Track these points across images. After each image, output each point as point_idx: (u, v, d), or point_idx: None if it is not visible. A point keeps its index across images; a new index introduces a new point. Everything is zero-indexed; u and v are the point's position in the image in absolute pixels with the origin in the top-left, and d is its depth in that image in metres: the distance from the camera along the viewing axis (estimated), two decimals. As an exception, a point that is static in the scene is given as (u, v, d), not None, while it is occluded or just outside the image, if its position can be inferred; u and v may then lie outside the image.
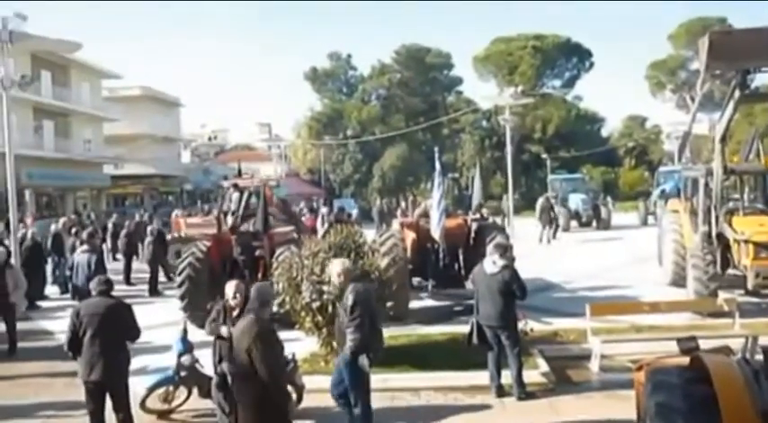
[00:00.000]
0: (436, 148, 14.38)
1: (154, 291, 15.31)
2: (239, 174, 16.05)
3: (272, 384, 4.79)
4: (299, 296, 8.14)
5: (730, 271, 11.34)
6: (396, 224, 13.93)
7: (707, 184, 11.83)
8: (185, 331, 7.13)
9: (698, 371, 3.52)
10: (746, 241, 10.91)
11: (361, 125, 57.31)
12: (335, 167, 58.33)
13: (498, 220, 16.36)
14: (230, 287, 6.24)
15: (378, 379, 7.71)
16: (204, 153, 71.71)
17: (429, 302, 12.64)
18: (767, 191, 12.48)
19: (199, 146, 72.22)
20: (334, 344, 8.28)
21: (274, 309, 8.92)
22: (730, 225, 11.42)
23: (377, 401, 7.20)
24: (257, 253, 11.71)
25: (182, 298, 10.86)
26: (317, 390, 7.37)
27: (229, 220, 13.13)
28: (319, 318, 8.02)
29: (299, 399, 6.83)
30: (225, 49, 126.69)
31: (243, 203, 13.77)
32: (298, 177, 57.43)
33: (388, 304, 8.84)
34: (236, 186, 13.99)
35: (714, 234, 11.48)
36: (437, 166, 12.35)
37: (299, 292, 8.15)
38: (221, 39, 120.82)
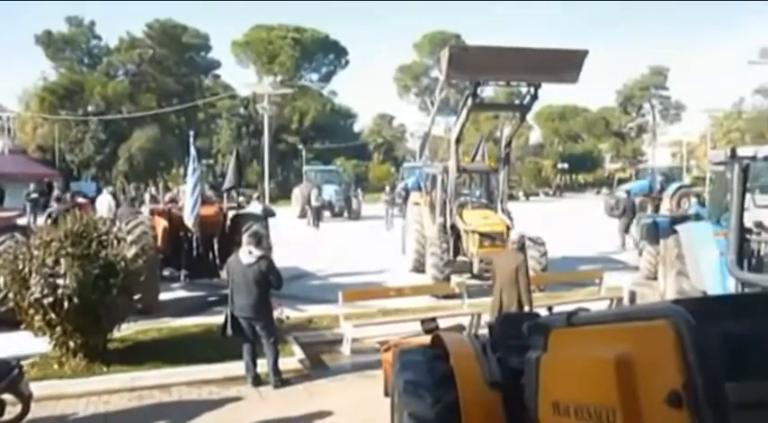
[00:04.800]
0: (191, 132, 13.67)
1: None
2: None
3: None
4: (26, 292, 7.09)
5: (460, 258, 12.89)
6: (145, 211, 12.97)
7: (443, 181, 13.27)
8: None
9: (438, 349, 3.92)
10: (473, 231, 12.53)
11: (105, 101, 52.07)
12: (74, 147, 52.05)
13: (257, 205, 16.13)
14: None
15: (124, 378, 7.17)
16: None
17: (182, 293, 12.05)
18: (490, 187, 14.43)
19: None
20: (71, 343, 7.44)
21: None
22: (461, 217, 13.00)
23: (122, 403, 6.66)
24: (-32, 242, 9.90)
25: None
26: (50, 396, 6.56)
27: None
28: (52, 315, 7.09)
29: (26, 409, 5.96)
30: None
31: None
32: (25, 155, 49.81)
33: (136, 297, 8.20)
34: None
35: (448, 225, 12.94)
36: (192, 150, 11.78)
37: (26, 287, 7.10)
38: None
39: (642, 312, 2.23)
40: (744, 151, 7.25)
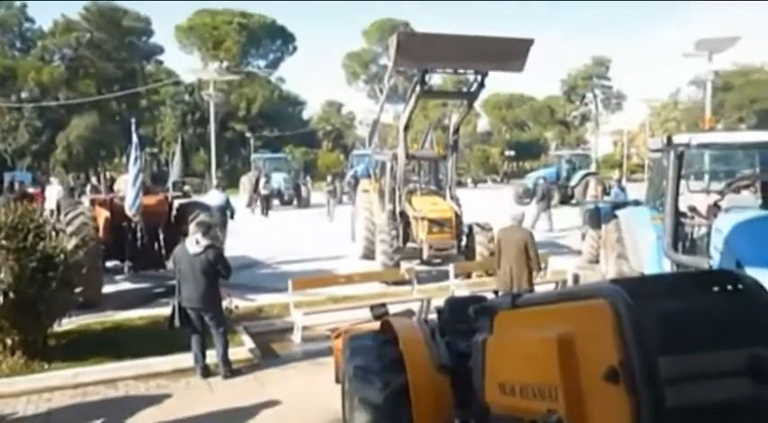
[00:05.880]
0: (133, 120, 13.27)
1: None
2: None
3: None
4: (-43, 288, 6.76)
5: (410, 244, 13.00)
6: (85, 201, 12.54)
7: (392, 168, 13.32)
8: None
9: (388, 334, 3.95)
10: (423, 218, 12.66)
11: (40, 87, 49.76)
12: (7, 135, 49.65)
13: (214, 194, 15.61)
14: None
15: (66, 375, 6.94)
16: None
17: (126, 285, 11.75)
18: (439, 174, 14.57)
19: None
20: (8, 341, 7.17)
21: None
22: (410, 204, 13.10)
23: (65, 400, 6.46)
24: None
25: None
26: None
27: None
28: (-18, 313, 6.79)
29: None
30: None
31: None
32: (-47, 144, 47.35)
33: (78, 290, 7.94)
34: None
35: (397, 212, 13.02)
36: (134, 138, 11.44)
37: (-43, 282, 6.77)
38: None
39: (582, 292, 2.31)
40: (679, 139, 7.56)
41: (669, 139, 7.45)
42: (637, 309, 1.93)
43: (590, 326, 2.07)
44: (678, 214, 7.17)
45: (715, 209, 7.42)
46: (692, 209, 8.04)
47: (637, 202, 11.25)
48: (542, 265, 8.84)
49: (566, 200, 28.29)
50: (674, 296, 2.07)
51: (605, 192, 20.85)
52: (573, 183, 29.37)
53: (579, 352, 2.12)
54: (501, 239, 8.69)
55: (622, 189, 19.48)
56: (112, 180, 16.71)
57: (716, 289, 2.15)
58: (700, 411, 1.86)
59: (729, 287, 2.14)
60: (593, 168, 32.24)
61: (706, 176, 10.21)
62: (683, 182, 7.72)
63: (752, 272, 2.30)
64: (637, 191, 16.98)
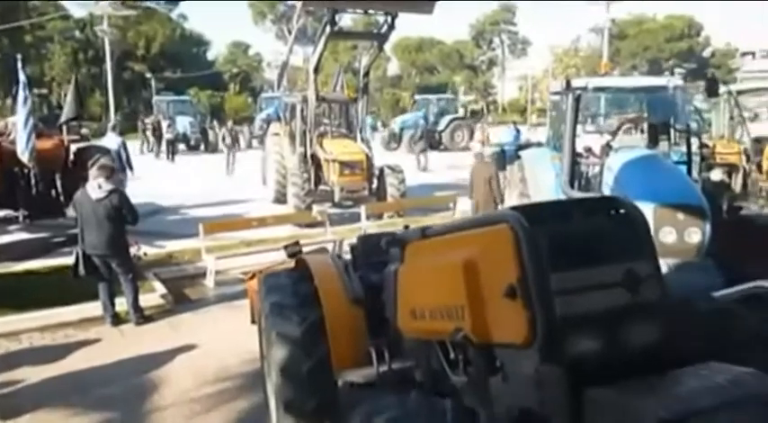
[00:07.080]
0: (19, 56, 12.15)
1: None
2: None
3: None
4: None
5: (322, 187, 13.06)
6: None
7: (303, 111, 13.17)
8: None
9: (302, 271, 4.05)
10: (334, 161, 12.70)
11: None
12: None
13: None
14: None
15: (-37, 328, 6.58)
16: None
17: (22, 235, 11.10)
18: (349, 117, 14.55)
19: None
20: None
21: None
22: (321, 147, 13.08)
23: (-38, 354, 6.17)
24: None
25: None
26: None
27: None
28: None
29: None
30: None
31: None
32: None
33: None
34: None
35: (309, 155, 12.98)
36: (21, 77, 10.56)
37: None
38: None
39: (486, 220, 2.50)
40: (577, 83, 7.99)
41: (568, 82, 7.86)
42: (533, 231, 2.13)
43: (492, 248, 2.27)
44: (575, 154, 7.65)
45: (607, 149, 7.95)
46: (588, 149, 8.58)
47: (539, 144, 11.82)
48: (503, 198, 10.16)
49: (434, 144, 28.15)
50: (565, 220, 2.31)
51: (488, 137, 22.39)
52: (440, 127, 29.49)
53: (483, 273, 2.31)
54: (473, 174, 10.18)
55: (518, 130, 21.09)
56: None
57: (601, 213, 2.41)
58: (584, 319, 2.12)
59: (612, 211, 2.40)
60: (460, 113, 32.70)
61: (601, 119, 10.83)
62: (579, 124, 8.20)
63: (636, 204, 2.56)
64: (540, 135, 17.76)
